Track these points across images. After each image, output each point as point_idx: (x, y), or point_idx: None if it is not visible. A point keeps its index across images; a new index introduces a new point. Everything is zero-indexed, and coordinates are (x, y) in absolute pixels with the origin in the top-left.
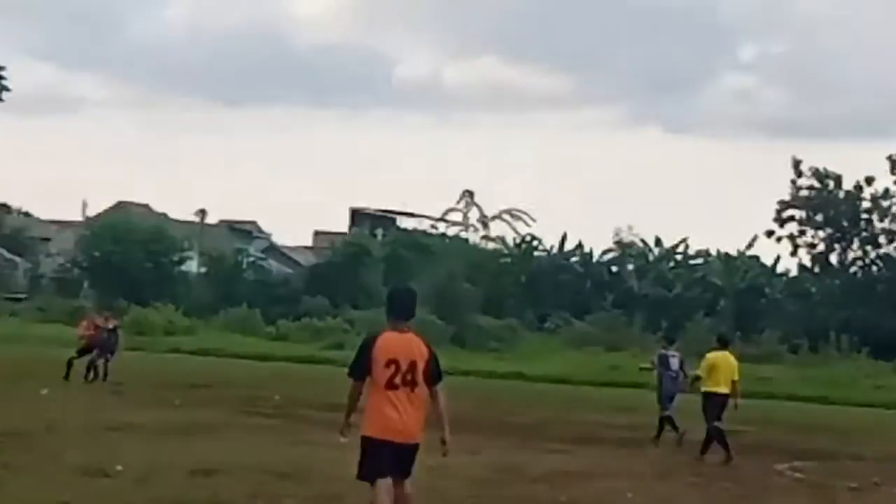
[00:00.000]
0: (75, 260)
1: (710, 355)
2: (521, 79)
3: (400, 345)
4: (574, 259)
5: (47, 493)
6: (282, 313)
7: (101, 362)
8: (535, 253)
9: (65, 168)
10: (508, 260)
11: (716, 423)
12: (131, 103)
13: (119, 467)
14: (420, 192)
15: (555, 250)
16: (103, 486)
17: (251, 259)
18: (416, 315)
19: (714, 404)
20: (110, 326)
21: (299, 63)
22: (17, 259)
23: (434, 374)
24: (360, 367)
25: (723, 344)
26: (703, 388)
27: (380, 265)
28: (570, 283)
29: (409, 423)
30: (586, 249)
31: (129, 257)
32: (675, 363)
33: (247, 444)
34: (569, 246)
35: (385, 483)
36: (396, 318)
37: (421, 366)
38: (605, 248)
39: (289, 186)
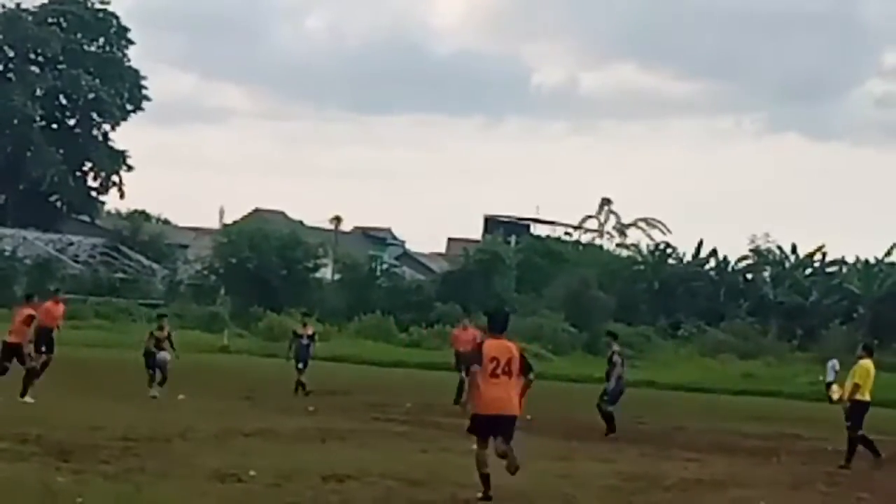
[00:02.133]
0: (212, 266)
1: (866, 363)
2: (658, 85)
3: (498, 347)
4: (708, 266)
5: (182, 497)
6: (415, 320)
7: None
8: (669, 260)
9: (202, 176)
10: (642, 267)
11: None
12: (269, 112)
13: (252, 472)
14: (555, 200)
15: (689, 257)
16: (237, 491)
17: (385, 266)
18: (508, 329)
19: (863, 413)
20: (310, 332)
21: (436, 72)
22: (155, 266)
23: (526, 367)
24: (476, 359)
25: (870, 352)
26: (858, 397)
27: (513, 272)
28: (704, 291)
29: (508, 401)
30: (721, 257)
31: (264, 264)
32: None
33: (379, 450)
34: (704, 253)
35: (489, 442)
36: (495, 331)
37: (515, 362)
38: (741, 255)
39: (423, 194)
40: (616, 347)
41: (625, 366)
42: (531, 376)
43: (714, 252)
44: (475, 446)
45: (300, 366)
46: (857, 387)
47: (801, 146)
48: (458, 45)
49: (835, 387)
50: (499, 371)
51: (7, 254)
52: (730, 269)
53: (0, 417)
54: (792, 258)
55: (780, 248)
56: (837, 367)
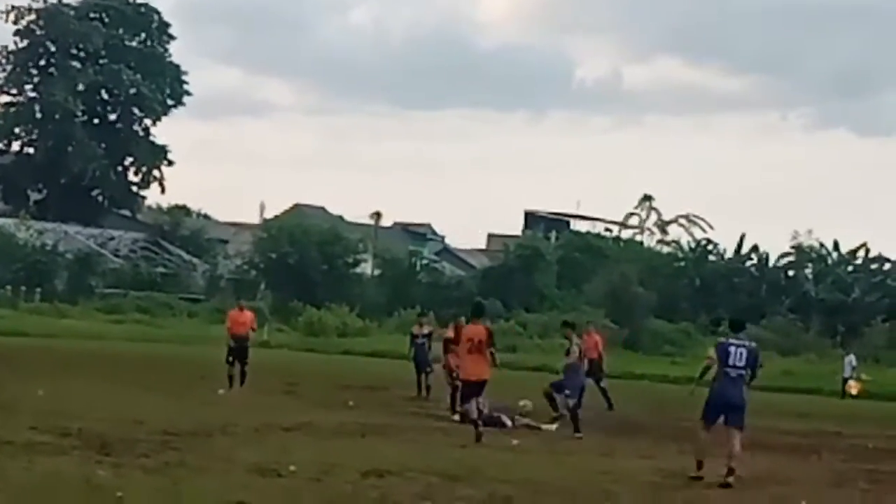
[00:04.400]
0: (252, 261)
1: None
2: (703, 80)
3: (473, 330)
4: (750, 263)
5: (222, 492)
6: (455, 315)
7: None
8: (710, 257)
9: (243, 171)
10: (683, 263)
11: None
12: (312, 107)
13: (292, 467)
14: (597, 195)
15: (730, 254)
16: (276, 485)
17: (425, 261)
18: (484, 314)
19: None
20: (425, 332)
21: (479, 66)
22: (196, 260)
23: (489, 344)
24: (455, 340)
25: None
26: None
27: (553, 268)
28: (746, 287)
29: (480, 370)
30: (763, 253)
31: (304, 259)
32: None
33: (418, 445)
34: (745, 249)
35: (473, 401)
36: (473, 317)
37: (484, 340)
38: (783, 252)
39: (463, 189)
40: (579, 341)
41: (572, 356)
42: (492, 349)
43: (755, 248)
44: (463, 405)
45: (428, 369)
46: None
47: (850, 142)
48: (501, 39)
49: (852, 382)
50: (473, 349)
51: (48, 248)
52: (771, 265)
53: (41, 411)
54: (834, 255)
55: (822, 244)
56: (854, 363)
